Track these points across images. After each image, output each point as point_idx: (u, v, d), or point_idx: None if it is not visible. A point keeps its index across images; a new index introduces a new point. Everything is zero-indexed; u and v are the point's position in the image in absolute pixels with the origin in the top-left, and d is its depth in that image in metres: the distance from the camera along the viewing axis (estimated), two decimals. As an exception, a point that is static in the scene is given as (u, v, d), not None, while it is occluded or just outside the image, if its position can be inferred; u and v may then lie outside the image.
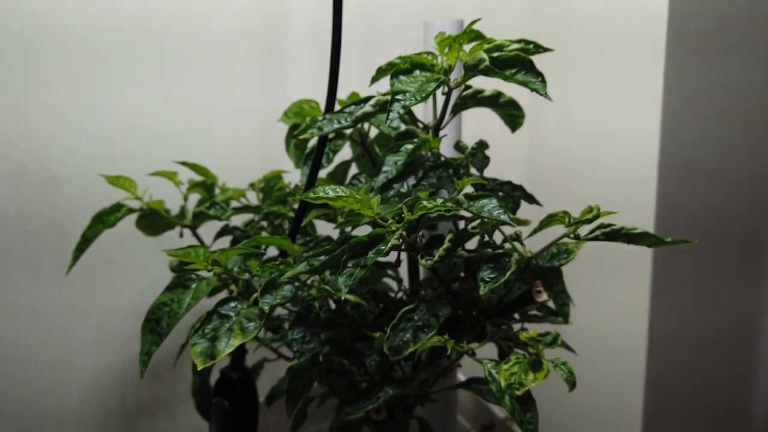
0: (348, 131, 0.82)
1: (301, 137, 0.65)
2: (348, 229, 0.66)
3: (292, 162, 0.84)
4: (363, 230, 0.53)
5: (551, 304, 0.56)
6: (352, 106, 0.66)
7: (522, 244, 0.54)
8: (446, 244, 0.52)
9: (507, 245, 0.54)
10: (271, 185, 0.88)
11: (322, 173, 0.85)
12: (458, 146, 0.68)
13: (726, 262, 0.93)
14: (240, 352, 0.74)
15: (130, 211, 0.78)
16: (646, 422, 0.93)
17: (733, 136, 0.88)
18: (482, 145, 0.67)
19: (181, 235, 0.85)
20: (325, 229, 0.83)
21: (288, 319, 0.60)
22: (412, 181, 0.62)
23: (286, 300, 0.51)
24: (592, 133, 0.95)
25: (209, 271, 0.54)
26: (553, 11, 0.97)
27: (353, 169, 0.86)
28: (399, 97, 0.53)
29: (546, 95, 0.53)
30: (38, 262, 0.96)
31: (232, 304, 0.51)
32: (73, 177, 0.96)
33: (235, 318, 0.50)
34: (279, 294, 0.51)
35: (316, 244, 0.67)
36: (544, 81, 0.54)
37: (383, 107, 0.63)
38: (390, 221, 0.49)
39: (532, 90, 0.54)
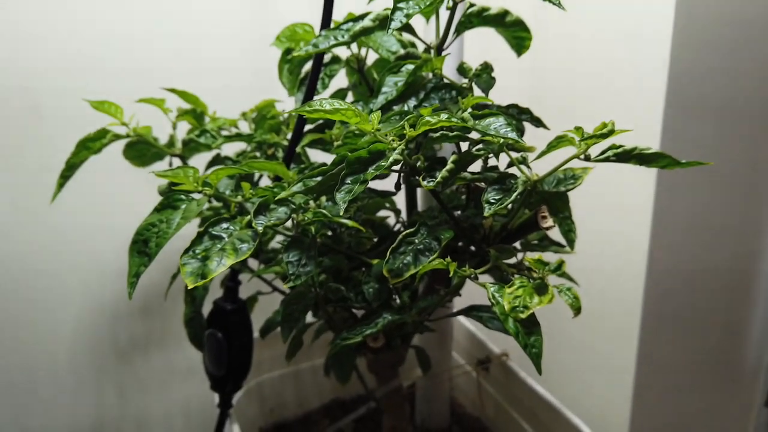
0: (345, 57, 0.78)
1: (295, 55, 0.61)
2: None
3: (286, 88, 0.80)
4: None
5: (556, 231, 0.54)
6: (350, 23, 0.62)
7: (528, 168, 0.52)
8: (450, 165, 0.49)
9: (513, 170, 0.51)
10: (263, 114, 0.85)
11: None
12: (462, 68, 0.64)
13: (730, 197, 0.91)
14: (233, 284, 0.72)
15: (117, 137, 0.74)
16: (640, 361, 0.94)
17: (745, 69, 0.84)
18: (487, 67, 0.63)
19: (170, 165, 0.81)
20: (318, 158, 0.80)
21: (284, 243, 0.57)
22: (413, 102, 0.59)
23: (281, 222, 0.48)
24: (597, 63, 0.92)
25: (199, 192, 0.51)
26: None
27: (350, 99, 0.82)
28: (401, 5, 0.50)
29: (559, 4, 0.49)
30: (22, 192, 0.93)
31: (225, 225, 0.49)
32: (57, 104, 0.92)
33: (227, 239, 0.47)
34: (273, 215, 0.49)
35: (311, 171, 0.64)
36: (557, -11, 0.50)
37: (384, 22, 0.59)
38: (391, 138, 0.46)
39: None
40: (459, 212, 0.60)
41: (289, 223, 0.54)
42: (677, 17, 0.79)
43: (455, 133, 0.50)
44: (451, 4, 0.57)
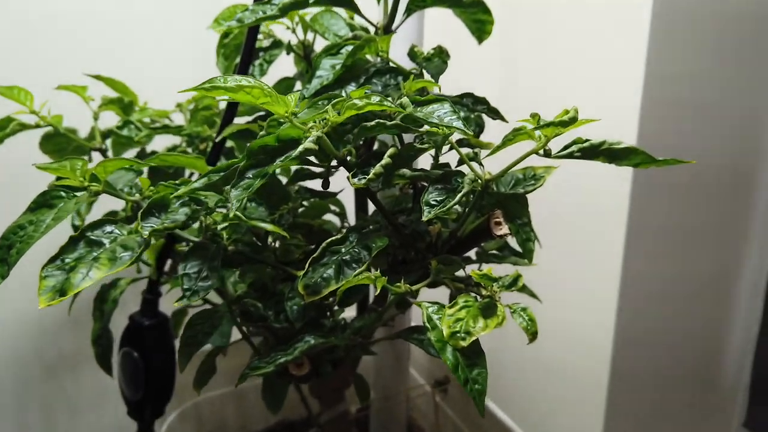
0: (289, 41, 0.70)
1: (215, 29, 0.53)
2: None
3: (220, 71, 0.71)
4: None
5: (513, 240, 0.46)
6: (284, -5, 0.53)
7: (480, 165, 0.44)
8: (385, 160, 0.41)
9: (463, 168, 0.43)
10: (200, 106, 0.76)
11: (260, 92, 0.73)
12: (412, 52, 0.56)
13: (708, 206, 0.84)
14: (151, 296, 0.63)
15: (22, 126, 0.65)
16: (612, 381, 0.86)
17: (724, 68, 0.78)
18: (441, 52, 0.55)
19: (90, 160, 0.72)
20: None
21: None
22: (351, 88, 0.51)
23: (176, 225, 0.39)
24: (571, 57, 0.84)
25: (85, 188, 0.42)
26: None
27: (298, 88, 0.74)
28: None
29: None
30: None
31: (108, 229, 0.40)
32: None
33: (108, 245, 0.38)
34: (168, 218, 0.40)
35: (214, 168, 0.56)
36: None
37: (323, -4, 0.51)
38: (311, 124, 0.37)
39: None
40: (404, 216, 0.52)
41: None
42: (655, 8, 0.72)
43: (393, 122, 0.42)
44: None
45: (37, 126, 0.66)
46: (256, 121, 0.67)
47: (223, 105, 0.76)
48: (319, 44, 0.72)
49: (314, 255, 0.39)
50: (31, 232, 0.39)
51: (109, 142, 0.73)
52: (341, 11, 0.67)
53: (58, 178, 0.44)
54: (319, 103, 0.43)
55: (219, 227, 0.44)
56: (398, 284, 0.39)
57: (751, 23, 0.76)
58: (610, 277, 0.83)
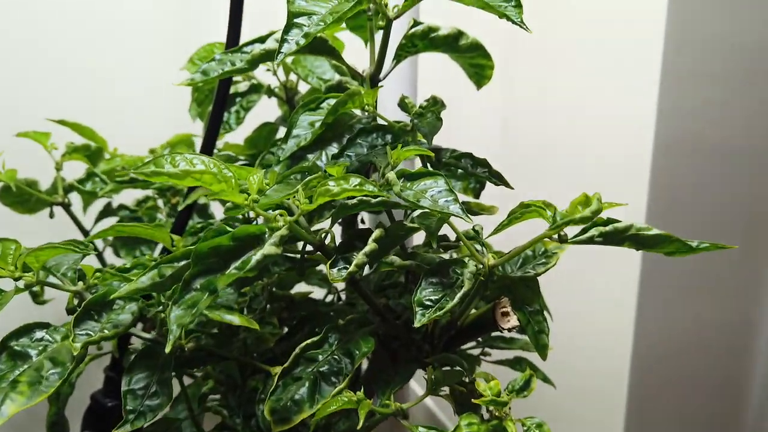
0: (268, 84, 0.64)
1: (190, 70, 0.47)
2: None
3: (193, 121, 0.65)
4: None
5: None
6: (256, 44, 0.47)
7: (482, 245, 0.37)
8: (370, 246, 0.34)
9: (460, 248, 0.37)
10: (176, 151, 0.69)
11: (239, 138, 0.67)
12: (403, 104, 0.50)
13: (724, 254, 0.78)
14: (114, 374, 0.56)
15: (-30, 183, 0.58)
16: (630, 403, 0.80)
17: (740, 101, 0.71)
18: (435, 103, 0.49)
19: (51, 216, 0.66)
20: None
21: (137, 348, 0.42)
22: (333, 149, 0.44)
23: (118, 332, 0.33)
24: (577, 99, 0.78)
25: (17, 279, 0.36)
26: None
27: (282, 134, 0.68)
28: (301, 20, 0.35)
29: (522, 24, 0.35)
30: None
31: (38, 335, 0.33)
32: None
33: (36, 359, 0.32)
34: (111, 320, 0.33)
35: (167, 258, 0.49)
36: (519, 4, 0.37)
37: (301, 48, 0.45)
38: (277, 212, 0.31)
39: (502, 16, 0.36)
40: (397, 293, 0.45)
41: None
42: (667, 44, 0.66)
43: (379, 200, 0.36)
44: (383, 21, 0.43)
45: (-11, 184, 0.59)
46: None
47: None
48: (304, 86, 0.66)
49: (285, 365, 0.33)
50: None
51: (78, 194, 0.67)
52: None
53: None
54: (292, 178, 0.37)
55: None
56: (387, 402, 0.32)
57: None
58: (624, 317, 0.76)
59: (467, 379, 0.36)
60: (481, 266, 0.34)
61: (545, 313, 0.39)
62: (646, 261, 0.73)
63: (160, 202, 0.65)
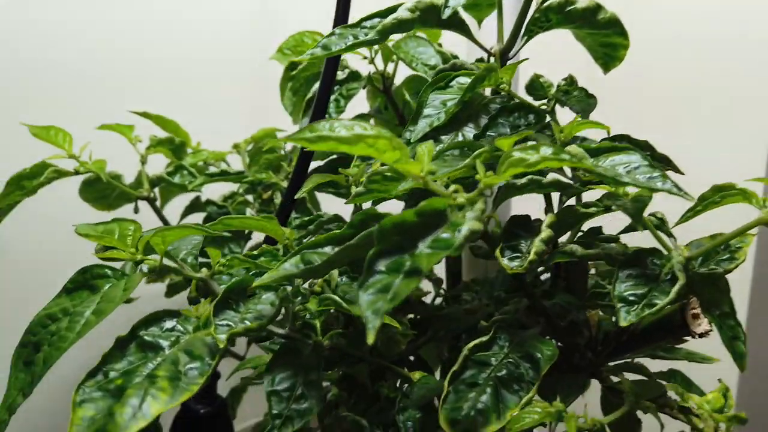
0: (366, 73, 0.60)
1: (280, 60, 0.43)
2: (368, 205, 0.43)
3: (288, 112, 0.61)
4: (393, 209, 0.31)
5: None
6: (375, 19, 0.43)
7: (671, 236, 0.32)
8: (545, 233, 0.29)
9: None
10: (260, 147, 0.66)
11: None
12: (536, 84, 0.45)
13: None
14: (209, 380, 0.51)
15: (59, 173, 0.55)
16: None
17: None
18: (573, 82, 0.44)
19: (135, 210, 0.62)
20: (333, 206, 0.60)
21: (272, 348, 0.38)
22: (470, 130, 0.40)
23: (261, 324, 0.28)
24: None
25: (137, 262, 0.32)
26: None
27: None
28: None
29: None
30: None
31: (168, 324, 0.29)
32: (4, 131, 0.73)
33: (169, 351, 0.27)
34: (250, 309, 0.29)
35: (318, 227, 0.45)
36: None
37: (428, 14, 0.40)
38: (452, 187, 0.26)
39: None
40: (540, 292, 0.40)
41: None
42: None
43: (551, 178, 0.31)
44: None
45: (77, 173, 0.56)
46: (331, 167, 0.56)
47: (289, 147, 0.66)
48: (399, 76, 0.62)
49: (454, 368, 0.28)
50: (65, 331, 0.28)
51: (157, 189, 0.64)
52: (425, 36, 0.57)
53: (105, 248, 0.34)
54: (447, 154, 0.32)
55: (310, 316, 0.33)
56: (579, 415, 0.27)
57: None
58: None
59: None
60: (684, 261, 0.29)
61: (737, 317, 0.33)
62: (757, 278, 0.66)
63: (249, 198, 0.61)
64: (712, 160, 0.70)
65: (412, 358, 0.45)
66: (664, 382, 0.31)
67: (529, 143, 0.26)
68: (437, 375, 0.45)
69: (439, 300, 0.54)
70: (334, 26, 0.46)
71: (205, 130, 0.70)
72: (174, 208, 0.67)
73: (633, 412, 0.29)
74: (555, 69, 0.49)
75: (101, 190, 0.65)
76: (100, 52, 0.77)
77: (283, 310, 0.33)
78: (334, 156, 0.62)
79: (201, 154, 0.63)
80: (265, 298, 0.30)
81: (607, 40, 0.48)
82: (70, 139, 0.57)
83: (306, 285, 0.34)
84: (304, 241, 0.38)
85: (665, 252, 0.29)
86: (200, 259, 0.36)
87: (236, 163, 0.69)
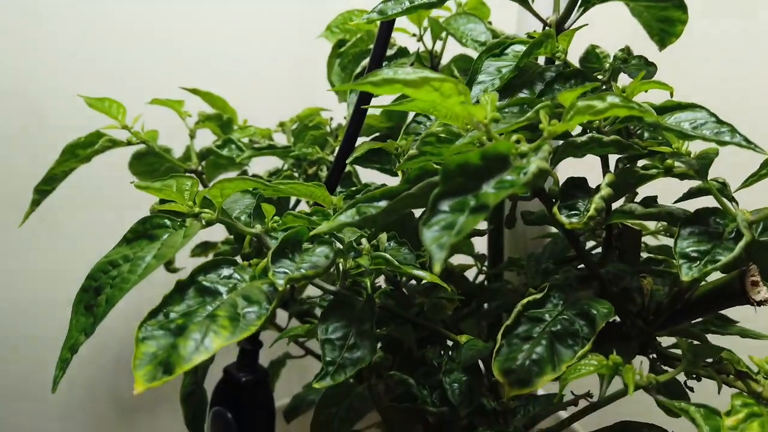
0: (413, 51, 0.60)
1: (329, 37, 0.43)
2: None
3: (335, 92, 0.62)
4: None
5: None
6: (433, -13, 0.43)
7: (732, 200, 0.31)
8: (605, 190, 0.29)
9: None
10: (305, 124, 0.66)
11: (376, 110, 0.63)
12: (590, 56, 0.44)
13: None
14: (251, 347, 0.52)
15: (113, 143, 0.57)
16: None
17: None
18: (630, 52, 0.43)
19: (184, 183, 0.64)
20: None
21: (321, 304, 0.38)
22: (524, 96, 0.39)
23: (317, 273, 0.29)
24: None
25: (196, 215, 0.33)
26: None
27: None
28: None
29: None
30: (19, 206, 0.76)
31: (226, 272, 0.29)
32: (60, 106, 0.76)
33: (226, 296, 0.28)
34: (305, 260, 0.29)
35: (369, 192, 0.45)
36: None
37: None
38: (515, 136, 0.26)
39: None
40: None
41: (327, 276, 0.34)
42: None
43: (612, 137, 0.30)
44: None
45: (129, 143, 0.58)
46: (384, 141, 0.56)
47: (334, 124, 0.67)
48: (447, 55, 0.62)
49: (507, 323, 0.28)
50: (126, 273, 0.29)
51: (204, 163, 0.65)
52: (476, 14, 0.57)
53: (162, 201, 0.34)
54: (508, 109, 0.32)
55: (359, 272, 0.33)
56: (642, 374, 0.27)
57: None
58: None
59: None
60: (749, 221, 0.28)
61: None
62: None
63: (295, 173, 0.62)
64: None
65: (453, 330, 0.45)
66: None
67: (594, 96, 0.26)
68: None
69: (481, 278, 0.53)
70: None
71: (252, 107, 0.72)
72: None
73: (690, 372, 0.28)
74: (605, 45, 0.48)
75: (151, 163, 0.66)
76: (156, 32, 0.78)
77: (333, 270, 0.33)
78: (378, 134, 0.63)
79: (248, 130, 0.64)
80: (320, 251, 0.30)
81: (665, 14, 0.47)
82: (123, 111, 0.58)
83: (357, 244, 0.34)
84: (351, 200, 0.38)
85: (735, 213, 0.29)
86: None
87: (282, 142, 0.69)
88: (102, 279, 0.30)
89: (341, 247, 0.32)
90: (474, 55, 0.51)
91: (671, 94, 0.33)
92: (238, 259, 0.31)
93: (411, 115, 0.59)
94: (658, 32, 0.49)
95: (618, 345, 0.33)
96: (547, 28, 0.44)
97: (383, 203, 0.30)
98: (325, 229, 0.28)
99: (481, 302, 0.43)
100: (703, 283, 0.34)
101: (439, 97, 0.25)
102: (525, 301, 0.29)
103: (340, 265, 0.33)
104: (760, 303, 0.31)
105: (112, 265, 0.31)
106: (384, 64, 0.59)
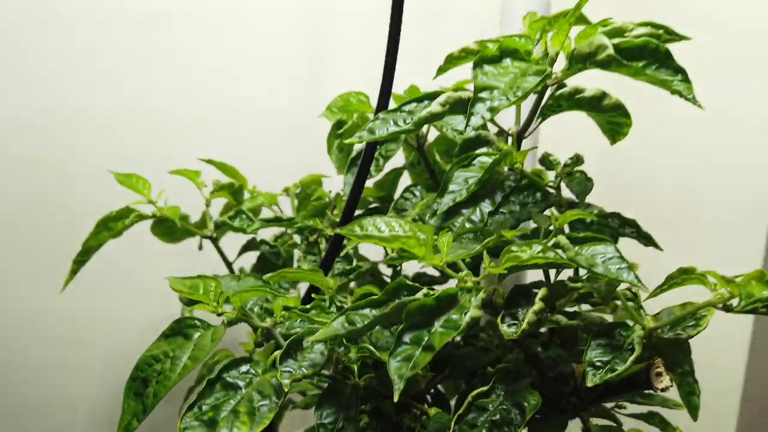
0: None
1: (347, 141, 0.52)
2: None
3: (335, 167, 0.70)
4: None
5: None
6: (413, 104, 0.51)
7: (641, 311, 0.39)
8: (537, 305, 0.37)
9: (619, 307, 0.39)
10: (308, 192, 0.75)
11: (369, 182, 0.71)
12: (545, 161, 0.53)
13: None
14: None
15: (141, 217, 0.66)
16: None
17: None
18: (578, 161, 0.52)
19: (200, 248, 0.72)
20: (371, 249, 0.69)
21: (320, 384, 0.46)
22: (487, 207, 0.48)
23: (315, 370, 0.37)
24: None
25: (219, 314, 0.41)
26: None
27: (404, 178, 0.72)
28: (484, 95, 0.39)
29: (694, 100, 0.38)
30: (47, 265, 0.85)
31: (243, 369, 0.38)
32: (88, 172, 0.85)
33: (245, 390, 0.36)
34: (305, 358, 0.38)
35: (358, 277, 0.54)
36: (687, 78, 0.39)
37: (456, 107, 0.49)
38: (464, 273, 0.34)
39: (674, 92, 0.39)
40: (539, 346, 0.48)
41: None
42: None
43: (547, 258, 0.39)
44: (539, 87, 0.46)
45: (154, 216, 0.67)
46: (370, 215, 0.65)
47: (333, 195, 0.75)
48: (432, 134, 0.71)
49: (459, 411, 0.36)
50: (168, 371, 0.38)
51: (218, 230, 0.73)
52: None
53: (191, 302, 0.43)
54: (464, 237, 0.41)
55: (349, 360, 0.41)
56: (557, 454, 0.35)
57: None
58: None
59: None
60: (645, 332, 0.36)
61: (695, 375, 0.40)
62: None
63: (297, 238, 0.70)
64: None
65: (432, 390, 0.54)
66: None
67: (523, 243, 0.35)
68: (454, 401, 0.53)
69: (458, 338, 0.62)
70: (378, 108, 0.54)
71: (260, 167, 0.80)
72: (227, 239, 0.76)
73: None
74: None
75: (170, 227, 0.75)
76: (174, 109, 0.88)
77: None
78: (372, 206, 0.72)
79: (257, 199, 0.73)
80: (317, 348, 0.39)
81: (613, 119, 0.56)
82: (149, 186, 0.67)
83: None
84: (343, 303, 0.47)
85: (632, 324, 0.37)
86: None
87: (285, 204, 0.78)
88: (147, 371, 0.39)
89: (335, 344, 0.40)
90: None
91: (594, 221, 0.41)
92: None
93: (399, 191, 0.68)
94: (609, 131, 0.58)
95: (555, 418, 0.42)
96: (509, 138, 0.53)
97: (367, 311, 0.39)
98: (321, 338, 0.37)
99: (455, 367, 0.51)
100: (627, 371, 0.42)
101: (407, 246, 0.34)
102: (475, 393, 0.37)
103: (333, 355, 0.41)
104: (662, 390, 0.39)
105: (155, 359, 0.39)
106: (376, 148, 0.68)
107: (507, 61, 0.41)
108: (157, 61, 0.86)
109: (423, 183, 0.68)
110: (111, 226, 0.65)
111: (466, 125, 0.37)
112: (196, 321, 0.41)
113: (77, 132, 0.83)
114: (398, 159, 0.73)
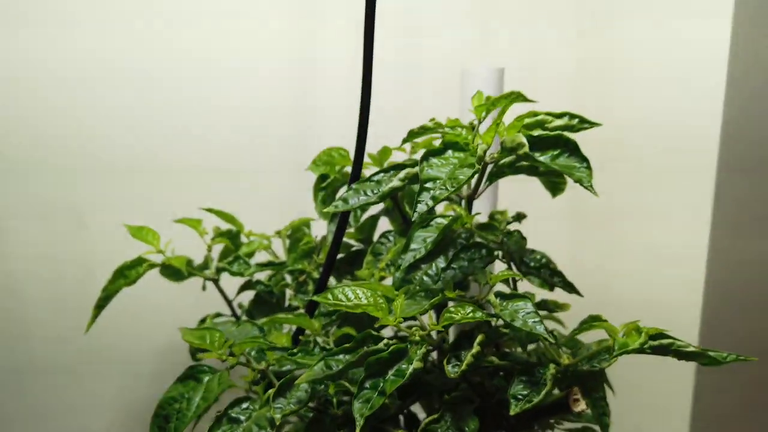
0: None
1: (325, 210, 0.62)
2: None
3: (320, 217, 0.80)
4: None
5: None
6: (381, 174, 0.62)
7: (558, 347, 0.50)
8: (475, 348, 0.47)
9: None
10: (297, 236, 0.85)
11: (350, 228, 0.82)
12: (493, 219, 0.63)
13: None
14: None
15: (152, 266, 0.76)
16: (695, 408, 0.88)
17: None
18: (519, 217, 0.62)
19: (203, 288, 0.82)
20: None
21: (306, 414, 0.56)
22: (441, 262, 0.58)
23: (301, 405, 0.47)
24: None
25: (223, 361, 0.51)
26: (601, 56, 0.91)
27: (384, 224, 0.82)
28: (429, 185, 0.49)
29: (591, 188, 0.48)
30: (65, 306, 0.95)
31: (244, 405, 0.48)
32: (100, 219, 0.95)
33: (245, 423, 0.47)
34: (293, 396, 0.48)
35: (339, 318, 0.64)
36: (589, 168, 0.49)
37: (414, 180, 0.59)
38: (414, 329, 0.45)
39: (576, 180, 0.49)
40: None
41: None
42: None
43: (484, 319, 0.49)
44: (480, 165, 0.57)
45: (163, 264, 0.77)
46: (350, 258, 0.76)
47: (319, 239, 0.86)
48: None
49: (414, 436, 0.46)
50: (185, 410, 0.48)
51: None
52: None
53: (200, 350, 0.53)
54: (418, 295, 0.51)
55: (329, 395, 0.51)
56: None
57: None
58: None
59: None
60: (560, 369, 0.47)
61: (606, 399, 0.51)
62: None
63: (288, 279, 0.81)
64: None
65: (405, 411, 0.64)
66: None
67: (458, 304, 0.45)
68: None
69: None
70: (351, 181, 0.64)
71: (254, 209, 0.90)
72: (227, 277, 0.86)
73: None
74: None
75: (175, 270, 0.85)
76: (175, 162, 0.98)
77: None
78: (353, 249, 0.82)
79: (252, 245, 0.83)
80: (303, 387, 0.49)
81: (552, 180, 0.67)
82: (158, 238, 0.77)
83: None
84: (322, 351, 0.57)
85: (551, 362, 0.47)
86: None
87: (277, 245, 0.88)
88: (168, 409, 0.49)
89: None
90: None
91: (520, 278, 0.52)
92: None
93: (377, 235, 0.78)
94: (550, 188, 0.69)
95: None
96: (462, 201, 0.63)
97: (341, 356, 0.49)
98: (305, 380, 0.47)
99: (422, 392, 0.61)
100: (551, 397, 0.52)
101: (369, 311, 0.44)
102: (429, 419, 0.48)
103: (315, 392, 0.51)
104: (579, 413, 0.50)
105: (173, 399, 0.49)
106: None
107: (449, 152, 0.51)
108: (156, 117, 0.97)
109: (397, 228, 0.78)
110: (126, 273, 0.75)
111: (414, 210, 0.47)
112: (205, 367, 0.51)
113: (91, 176, 0.93)
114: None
